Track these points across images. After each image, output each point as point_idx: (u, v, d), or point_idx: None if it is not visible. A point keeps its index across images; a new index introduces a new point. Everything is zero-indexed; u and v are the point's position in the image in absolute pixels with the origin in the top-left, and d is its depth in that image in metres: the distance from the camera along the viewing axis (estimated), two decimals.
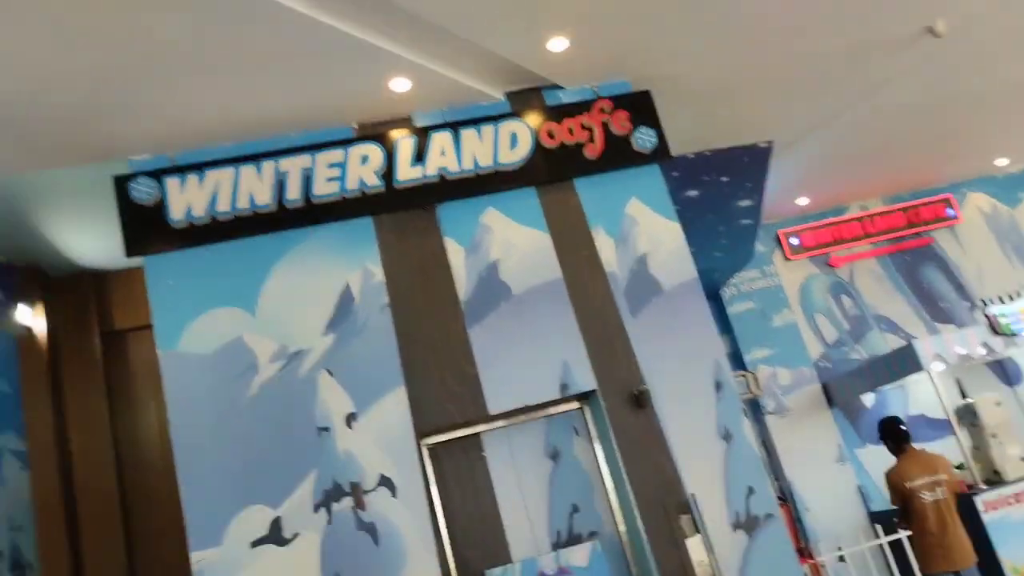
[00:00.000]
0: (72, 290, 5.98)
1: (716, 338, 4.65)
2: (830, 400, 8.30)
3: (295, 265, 4.37)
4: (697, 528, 4.12)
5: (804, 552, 6.46)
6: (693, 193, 6.58)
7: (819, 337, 8.72)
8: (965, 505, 6.52)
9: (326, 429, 4.04)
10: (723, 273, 8.19)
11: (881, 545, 6.48)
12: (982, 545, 6.34)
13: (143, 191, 4.32)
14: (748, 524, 4.23)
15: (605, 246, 4.70)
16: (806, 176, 8.13)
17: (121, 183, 4.34)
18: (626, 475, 4.21)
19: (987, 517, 6.41)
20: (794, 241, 8.93)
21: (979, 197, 9.41)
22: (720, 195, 6.70)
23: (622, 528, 4.31)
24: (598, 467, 4.43)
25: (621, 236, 4.75)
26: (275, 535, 3.83)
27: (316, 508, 3.91)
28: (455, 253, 4.56)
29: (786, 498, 7.75)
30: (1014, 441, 6.97)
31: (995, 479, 6.77)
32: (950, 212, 9.20)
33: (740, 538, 4.19)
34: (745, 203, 6.93)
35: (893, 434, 5.90)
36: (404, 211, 4.56)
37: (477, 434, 4.40)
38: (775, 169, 7.21)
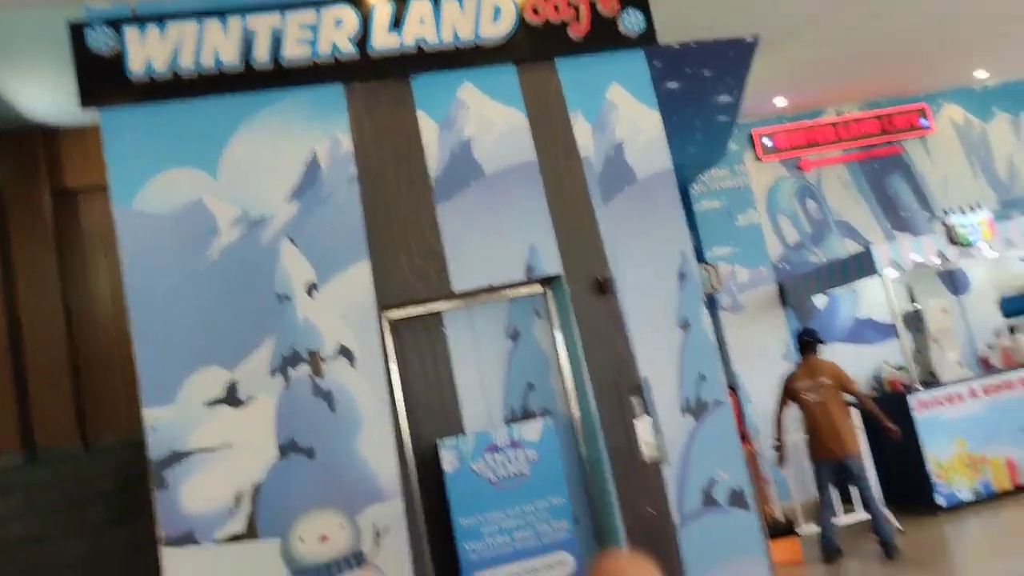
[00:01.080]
0: (21, 145, 5.76)
1: (684, 230, 4.68)
2: (784, 300, 8.52)
3: (260, 129, 4.24)
4: (647, 410, 4.28)
5: (745, 438, 6.79)
6: (673, 85, 6.45)
7: (780, 239, 8.85)
8: (892, 403, 6.90)
9: (286, 297, 4.04)
10: (694, 170, 8.17)
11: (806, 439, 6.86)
12: (911, 442, 6.74)
13: (101, 40, 4.09)
14: (697, 409, 4.40)
15: (582, 131, 4.63)
16: (787, 76, 8.02)
17: (77, 30, 4.10)
18: (583, 357, 4.32)
19: (919, 416, 6.77)
20: (767, 142, 8.92)
21: (954, 109, 9.43)
22: (701, 89, 6.59)
23: (575, 407, 4.45)
24: (556, 349, 4.53)
25: (599, 122, 4.68)
26: (230, 396, 3.88)
27: (273, 373, 3.95)
28: (428, 128, 4.45)
29: (735, 388, 8.07)
30: (954, 346, 7.29)
31: (931, 381, 7.11)
32: (923, 122, 9.22)
33: (688, 421, 4.37)
34: (724, 99, 6.83)
35: (799, 345, 6.58)
36: (377, 80, 4.41)
37: (439, 312, 4.44)
38: (756, 67, 7.09)
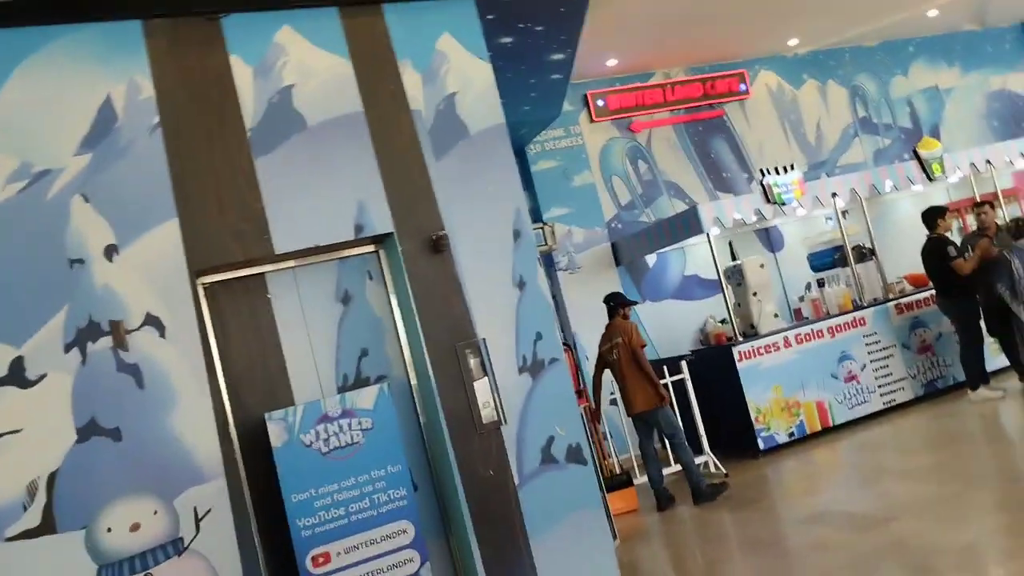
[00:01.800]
0: None
1: (518, 186, 4.58)
2: (618, 259, 8.74)
3: (43, 67, 3.69)
4: (485, 371, 4.18)
5: (581, 394, 6.93)
6: (507, 40, 6.34)
7: (614, 199, 9.05)
8: (717, 355, 7.27)
9: (80, 261, 3.57)
10: (531, 129, 8.16)
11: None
12: (734, 390, 7.13)
13: None
14: (534, 367, 4.35)
15: (412, 81, 4.39)
16: (618, 36, 8.13)
17: None
18: (419, 320, 4.15)
19: (741, 366, 7.16)
20: (600, 103, 9.04)
21: (769, 75, 9.97)
22: (533, 45, 6.52)
23: (411, 372, 4.29)
24: (391, 311, 4.33)
25: (430, 72, 4.46)
26: (16, 376, 3.40)
27: (67, 348, 3.49)
28: (242, 73, 4.06)
29: (571, 345, 8.20)
30: (771, 300, 7.75)
31: (751, 332, 7.53)
32: (742, 87, 9.69)
33: (525, 380, 4.32)
34: (557, 56, 6.81)
35: (606, 309, 6.74)
36: (182, 17, 3.95)
37: (262, 274, 4.11)
38: (590, 25, 7.10)
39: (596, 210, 8.80)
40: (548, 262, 8.56)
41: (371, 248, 4.37)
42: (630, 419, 6.58)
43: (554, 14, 6.15)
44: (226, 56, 4.05)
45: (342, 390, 4.12)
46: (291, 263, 4.17)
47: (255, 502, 3.86)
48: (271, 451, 3.77)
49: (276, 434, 3.77)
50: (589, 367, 8.25)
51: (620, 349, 6.46)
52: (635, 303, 6.85)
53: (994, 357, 7.76)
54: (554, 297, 8.64)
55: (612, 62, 8.77)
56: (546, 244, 6.86)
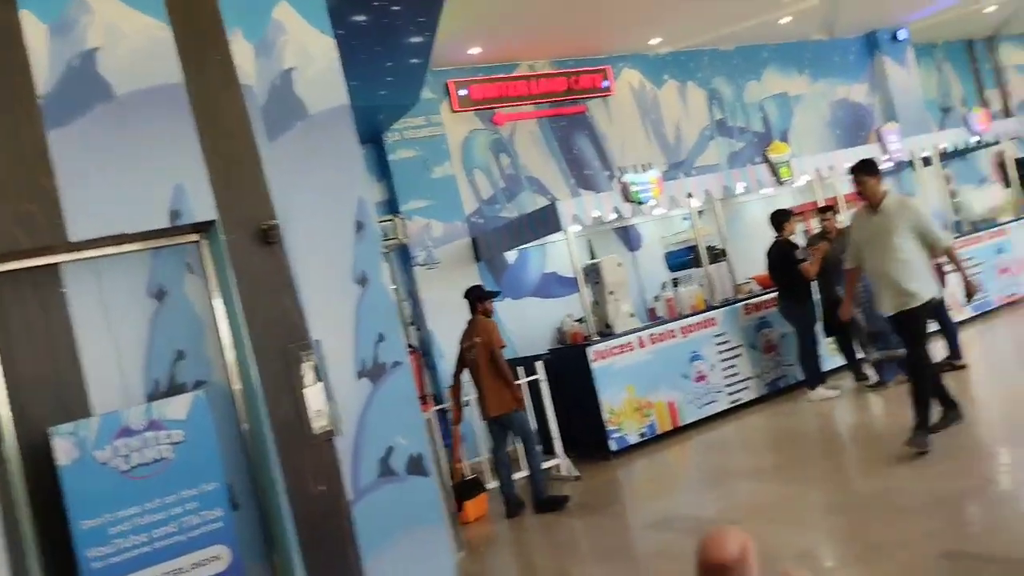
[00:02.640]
0: None
1: (362, 173, 4.23)
2: (478, 255, 8.50)
3: None
4: (319, 376, 3.81)
5: (428, 399, 6.65)
6: (360, 18, 5.93)
7: (475, 193, 8.81)
8: (573, 354, 7.18)
9: None
10: (388, 115, 7.76)
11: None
12: (588, 390, 7.05)
13: None
14: (374, 372, 4.02)
15: (243, 52, 3.94)
16: (481, 22, 7.87)
17: None
18: (245, 318, 3.72)
19: (595, 365, 7.10)
20: (462, 93, 8.76)
21: (632, 73, 10.01)
22: (390, 25, 6.13)
23: (235, 376, 3.85)
24: (212, 309, 3.87)
25: (264, 44, 4.03)
26: None
27: None
28: (35, 31, 3.48)
29: (417, 347, 7.90)
30: (627, 299, 7.74)
31: (607, 332, 7.50)
32: (605, 84, 9.67)
33: (364, 385, 3.98)
34: (416, 39, 6.46)
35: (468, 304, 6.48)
36: None
37: (55, 265, 3.56)
38: (452, 9, 6.80)
39: (456, 203, 8.52)
40: (405, 257, 8.21)
41: (192, 238, 3.89)
42: (484, 422, 6.35)
43: None
44: (14, 10, 3.46)
45: (153, 398, 3.63)
46: (92, 253, 3.63)
47: (40, 531, 3.32)
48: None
49: (64, 451, 3.25)
50: (444, 367, 8.00)
51: (478, 349, 6.21)
52: (495, 294, 6.59)
53: (831, 357, 8.11)
54: (410, 293, 8.31)
55: (475, 50, 8.50)
56: (397, 238, 6.47)
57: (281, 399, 3.72)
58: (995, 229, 9.99)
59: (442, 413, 6.79)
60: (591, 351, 7.13)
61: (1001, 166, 12.85)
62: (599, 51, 9.60)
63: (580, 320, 7.87)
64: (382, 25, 6.04)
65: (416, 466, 4.01)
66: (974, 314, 9.38)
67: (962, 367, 7.27)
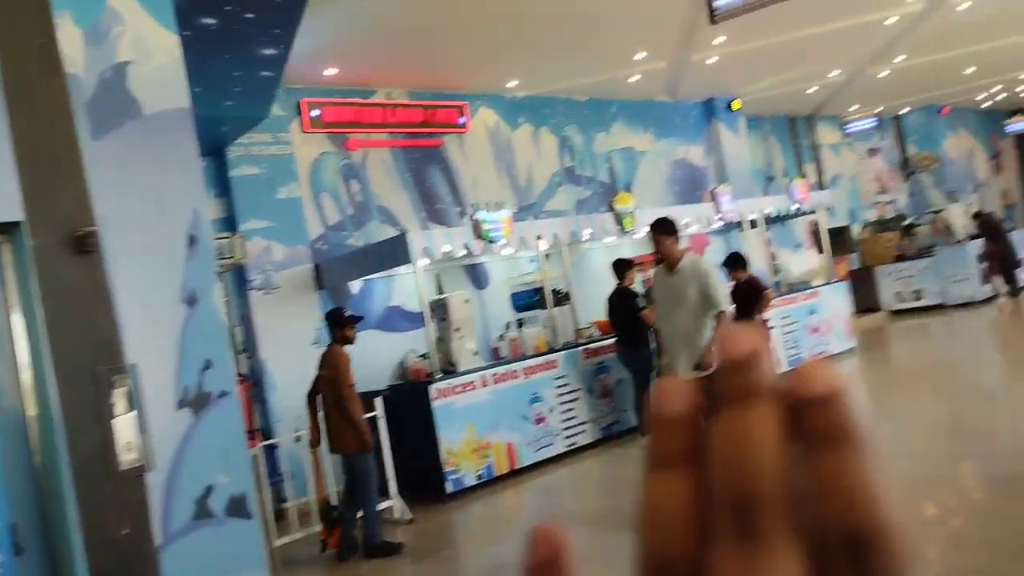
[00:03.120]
0: None
1: (200, 184, 3.89)
2: (320, 282, 8.14)
3: None
4: (132, 404, 3.40)
5: (257, 434, 6.20)
6: (210, 21, 5.56)
7: (322, 218, 8.47)
8: (415, 392, 6.96)
9: None
10: (233, 128, 7.31)
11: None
12: (428, 429, 6.85)
13: None
14: (198, 402, 3.65)
15: (70, 39, 3.53)
16: (340, 43, 7.65)
17: None
18: (48, 335, 3.26)
19: (436, 404, 6.92)
20: (315, 113, 8.45)
21: (488, 112, 10.09)
22: (242, 33, 5.80)
23: (30, 402, 3.36)
24: (9, 323, 3.37)
25: (96, 31, 3.64)
26: None
27: None
28: None
29: (248, 376, 7.40)
30: (472, 337, 7.66)
31: (450, 369, 7.35)
32: (462, 120, 9.67)
33: (185, 416, 3.60)
34: (269, 51, 6.14)
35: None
36: None
37: None
38: (310, 26, 6.56)
39: (300, 227, 8.13)
40: (240, 279, 7.71)
41: None
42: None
43: (267, 2, 5.52)
44: None
45: None
46: None
47: None
48: None
49: None
50: (277, 399, 7.54)
51: (323, 383, 5.82)
52: (357, 320, 6.08)
53: None
54: (244, 319, 7.80)
55: (332, 71, 8.24)
56: (233, 257, 5.97)
57: (85, 429, 3.27)
58: (809, 291, 10.84)
59: (270, 449, 6.35)
60: (433, 388, 6.95)
61: (815, 234, 14.07)
62: (457, 87, 9.61)
63: (424, 356, 7.68)
64: (233, 32, 5.70)
65: (238, 507, 3.66)
66: (789, 369, 10.05)
67: None
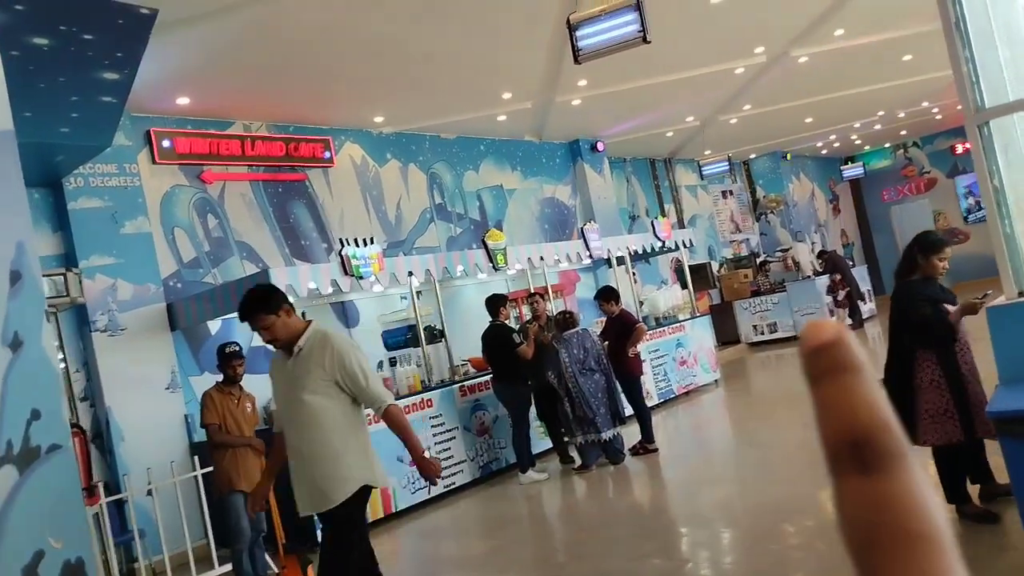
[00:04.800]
0: None
1: (25, 214, 3.45)
2: (174, 323, 7.56)
3: None
4: None
5: (96, 490, 5.62)
6: (42, 41, 5.08)
7: (175, 254, 7.91)
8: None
9: None
10: (70, 157, 6.70)
11: (196, 477, 6.17)
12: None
13: None
14: (24, 457, 3.18)
15: None
16: (192, 72, 7.23)
17: None
18: None
19: None
20: (166, 144, 7.93)
21: (354, 148, 9.85)
22: (79, 55, 5.34)
23: None
24: None
25: None
26: None
27: None
28: None
29: (85, 428, 6.74)
30: None
31: None
32: (327, 155, 9.38)
33: (8, 474, 3.13)
34: (111, 75, 5.69)
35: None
36: None
37: None
38: (158, 52, 6.18)
39: (151, 264, 7.53)
40: (82, 319, 7.04)
41: None
42: None
43: (109, 25, 5.12)
44: None
45: None
46: None
47: None
48: None
49: None
50: (125, 451, 6.89)
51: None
52: (232, 352, 5.63)
53: (540, 440, 8.31)
54: (86, 363, 7.10)
55: (183, 100, 7.77)
56: (67, 295, 5.37)
57: None
58: (676, 324, 11.17)
59: (118, 505, 5.75)
60: None
61: (678, 271, 14.62)
62: (321, 121, 9.33)
63: None
64: (69, 54, 5.24)
65: (74, 575, 3.20)
66: (659, 401, 10.28)
67: (654, 450, 7.80)
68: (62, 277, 5.52)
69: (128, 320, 7.22)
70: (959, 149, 20.99)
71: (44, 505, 3.21)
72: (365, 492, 3.70)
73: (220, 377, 5.75)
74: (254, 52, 7.08)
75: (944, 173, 21.48)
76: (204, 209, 8.23)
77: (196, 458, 6.43)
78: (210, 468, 6.13)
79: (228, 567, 6.14)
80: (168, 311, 7.51)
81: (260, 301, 3.72)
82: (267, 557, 5.99)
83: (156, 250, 7.61)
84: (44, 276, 5.93)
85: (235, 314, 7.38)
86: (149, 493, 6.21)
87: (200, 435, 7.19)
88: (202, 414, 5.57)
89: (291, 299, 6.95)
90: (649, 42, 5.32)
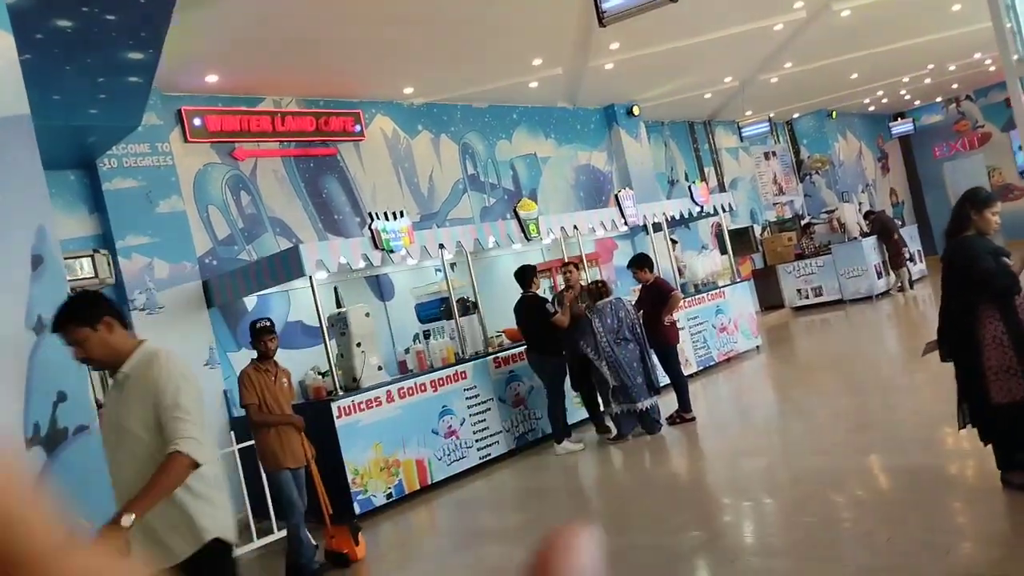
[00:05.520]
0: None
1: (44, 198, 3.47)
2: (210, 300, 7.65)
3: None
4: None
5: None
6: (65, 23, 5.10)
7: (209, 232, 7.99)
8: (316, 411, 6.59)
9: None
10: (102, 139, 6.77)
11: (234, 452, 6.27)
12: (332, 449, 6.50)
13: None
14: (51, 439, 3.23)
15: None
16: (219, 49, 7.23)
17: None
18: None
19: (340, 423, 6.58)
20: (197, 122, 7.97)
21: (385, 120, 9.79)
22: (103, 36, 5.34)
23: None
24: None
25: None
26: None
27: None
28: None
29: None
30: (376, 351, 7.33)
31: (353, 386, 7.01)
32: (357, 128, 9.35)
33: (36, 455, 3.18)
34: (136, 55, 5.69)
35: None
36: None
37: None
38: (184, 31, 6.16)
39: (186, 242, 7.62)
40: (120, 299, 7.15)
41: None
42: None
43: (130, 3, 5.10)
44: None
45: None
46: None
47: None
48: None
49: None
50: None
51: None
52: (263, 330, 5.63)
53: (576, 410, 8.26)
54: None
55: (213, 78, 7.79)
56: (97, 277, 5.39)
57: None
58: (715, 291, 10.96)
59: None
60: (336, 407, 6.60)
61: (718, 235, 14.34)
62: (351, 95, 9.28)
63: (324, 374, 7.31)
64: (93, 35, 5.24)
65: None
66: (698, 369, 10.13)
67: (691, 419, 7.69)
68: (89, 259, 5.58)
69: (165, 298, 7.33)
70: None
71: (72, 486, 3.27)
72: (222, 555, 2.96)
73: (255, 354, 5.77)
74: (280, 26, 7.04)
75: (999, 127, 20.60)
76: (237, 186, 8.28)
77: (232, 433, 6.52)
78: (249, 443, 6.25)
79: (267, 539, 6.28)
80: (204, 288, 7.60)
81: (74, 310, 3.03)
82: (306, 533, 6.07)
83: (191, 228, 7.69)
84: (72, 258, 6.04)
85: (272, 289, 7.51)
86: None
87: (239, 411, 7.31)
88: (240, 394, 5.61)
89: (323, 275, 7.02)
90: (676, 1, 5.12)
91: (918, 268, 16.16)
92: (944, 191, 21.30)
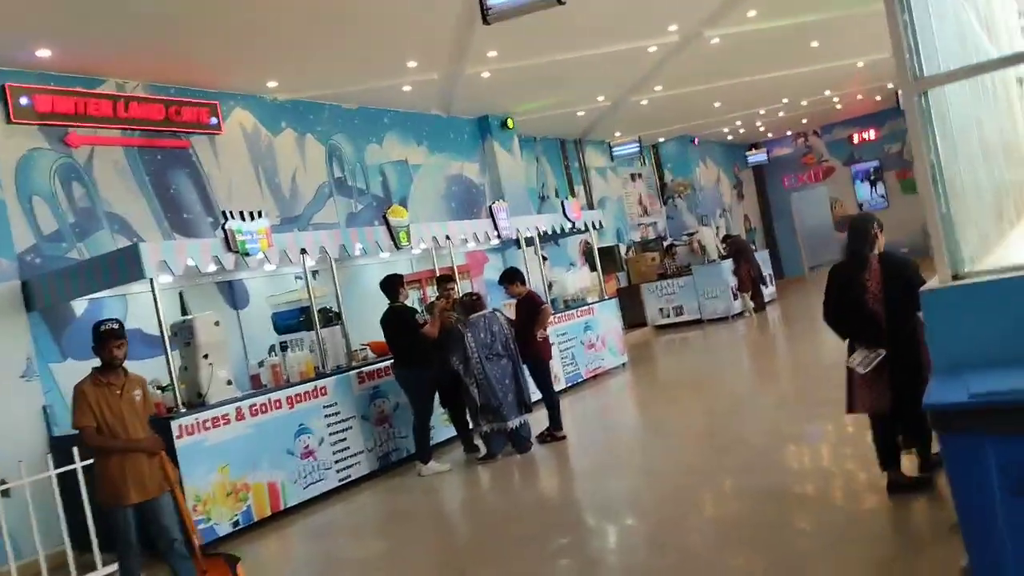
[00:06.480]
0: None
1: None
2: (31, 303, 6.72)
3: None
4: None
5: None
6: None
7: (33, 226, 7.06)
8: (157, 430, 5.85)
9: None
10: None
11: (51, 477, 5.47)
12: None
13: None
14: None
15: None
16: (54, 19, 6.39)
17: None
18: None
19: (181, 443, 5.91)
20: (24, 101, 7.04)
21: (244, 115, 9.11)
22: None
23: None
24: None
25: None
26: None
27: None
28: None
29: None
30: (225, 363, 6.66)
31: (198, 402, 6.33)
32: (213, 121, 8.62)
33: None
34: None
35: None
36: None
37: None
38: None
39: (4, 237, 6.64)
40: None
41: None
42: None
43: None
44: None
45: None
46: None
47: None
48: None
49: None
50: None
51: None
52: (108, 331, 4.63)
53: (444, 427, 7.89)
54: None
55: (44, 53, 6.88)
56: None
57: None
58: (584, 307, 10.92)
59: None
60: (176, 425, 5.91)
61: (586, 253, 14.41)
62: (208, 84, 8.54)
63: (165, 388, 6.55)
64: None
65: None
66: (567, 385, 10.02)
67: (562, 438, 7.50)
68: None
69: None
70: (856, 139, 21.71)
71: None
72: None
73: (97, 363, 4.74)
74: (128, 3, 6.31)
75: (841, 162, 22.16)
76: (69, 176, 7.36)
77: (50, 456, 5.67)
78: (70, 467, 5.45)
79: None
80: (24, 289, 6.67)
81: None
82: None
83: (10, 221, 6.75)
84: None
85: (104, 292, 6.67)
86: (5, 494, 5.50)
87: (63, 428, 6.43)
88: (73, 414, 4.59)
89: (167, 278, 6.30)
90: (564, 3, 4.92)
91: (770, 291, 16.93)
92: (790, 220, 22.72)
